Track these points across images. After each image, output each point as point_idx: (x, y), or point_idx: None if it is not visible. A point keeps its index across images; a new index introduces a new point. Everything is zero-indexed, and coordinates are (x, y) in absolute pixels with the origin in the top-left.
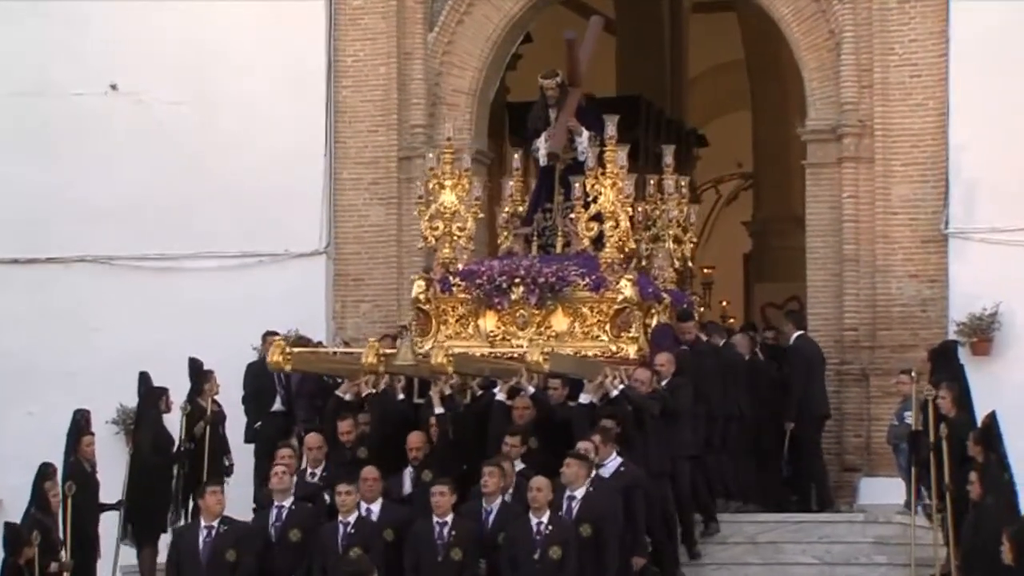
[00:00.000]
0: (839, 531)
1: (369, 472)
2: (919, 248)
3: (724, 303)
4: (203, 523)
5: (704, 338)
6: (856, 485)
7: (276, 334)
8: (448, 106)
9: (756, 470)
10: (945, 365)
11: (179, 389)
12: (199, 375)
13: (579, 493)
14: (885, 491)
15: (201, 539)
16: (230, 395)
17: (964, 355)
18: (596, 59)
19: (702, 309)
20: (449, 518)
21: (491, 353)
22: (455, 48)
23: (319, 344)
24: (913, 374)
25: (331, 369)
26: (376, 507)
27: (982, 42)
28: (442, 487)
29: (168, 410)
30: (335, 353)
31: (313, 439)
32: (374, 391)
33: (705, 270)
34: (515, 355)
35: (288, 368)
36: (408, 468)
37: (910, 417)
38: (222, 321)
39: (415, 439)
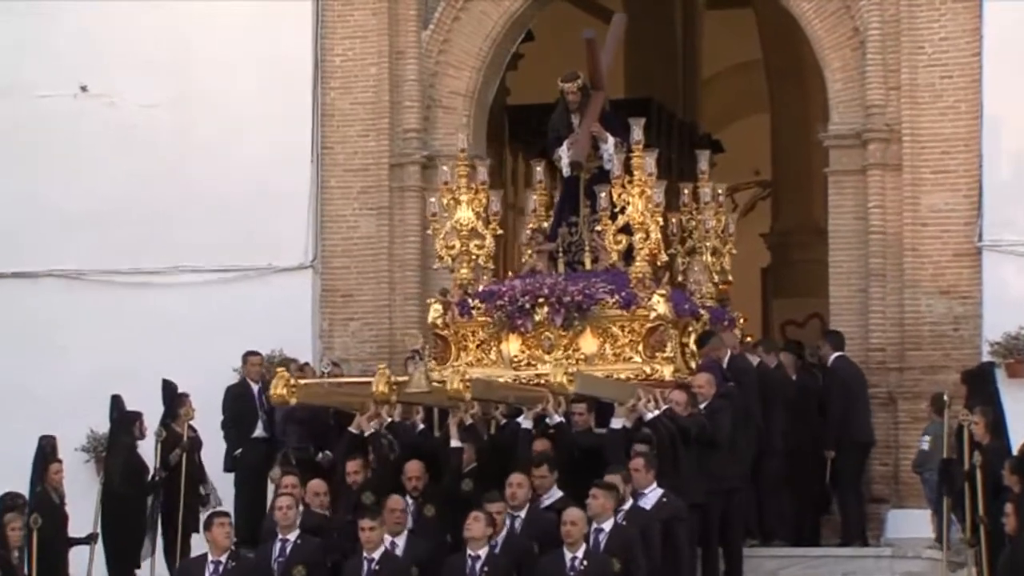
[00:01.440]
0: (865, 566)
1: (396, 503)
2: (951, 262)
3: (741, 320)
4: (211, 557)
5: (750, 358)
6: (883, 517)
7: (257, 354)
8: (444, 109)
9: (790, 503)
10: (979, 388)
11: (153, 414)
12: (174, 399)
13: (607, 526)
14: (914, 524)
15: (208, 574)
16: (208, 420)
17: (999, 377)
18: None
19: (742, 320)
20: (483, 552)
21: (515, 379)
22: (451, 47)
23: (305, 365)
24: (946, 398)
25: (341, 402)
26: (401, 541)
27: (1018, 40)
28: (476, 514)
29: (142, 436)
30: (341, 384)
31: (353, 466)
32: (384, 424)
33: (721, 286)
34: (541, 380)
35: (293, 402)
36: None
37: (927, 442)
38: (200, 340)
39: (414, 468)
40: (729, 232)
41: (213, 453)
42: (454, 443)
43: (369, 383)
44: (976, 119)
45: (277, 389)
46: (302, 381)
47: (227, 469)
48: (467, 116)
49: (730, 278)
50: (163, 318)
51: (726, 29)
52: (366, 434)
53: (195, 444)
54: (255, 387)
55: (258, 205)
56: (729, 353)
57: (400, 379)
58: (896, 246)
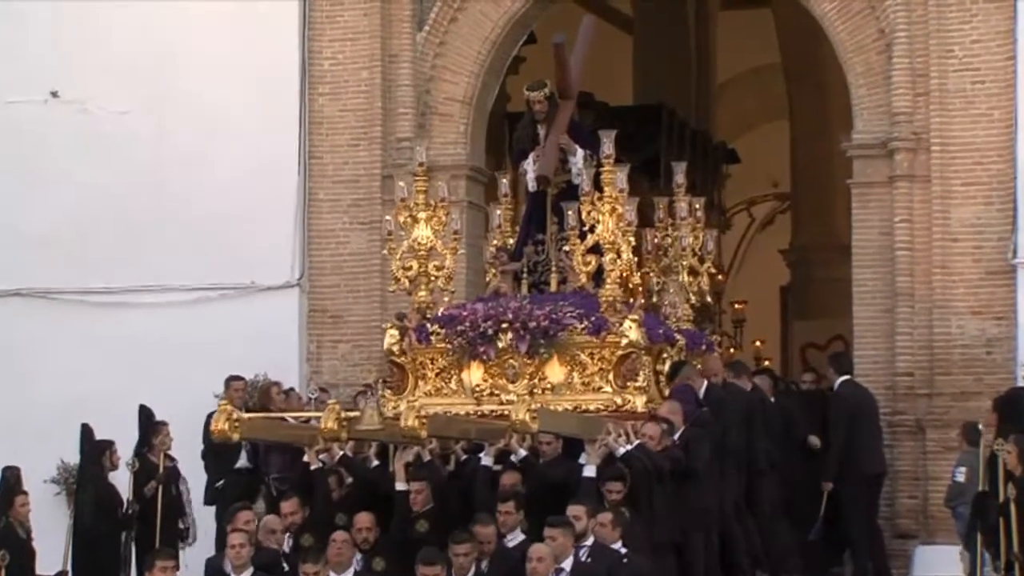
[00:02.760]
0: None
1: (338, 535)
2: (983, 280)
3: (758, 343)
4: None
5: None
6: (911, 554)
7: (240, 379)
8: (440, 116)
9: (793, 533)
10: (1011, 415)
11: (127, 443)
12: (150, 426)
13: (567, 564)
14: (944, 560)
15: None
16: (187, 449)
17: None
18: (611, 62)
19: (732, 350)
20: None
21: (477, 411)
22: (448, 49)
23: (291, 391)
24: (981, 427)
25: (289, 437)
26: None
27: None
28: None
29: (114, 467)
30: (287, 419)
31: (289, 506)
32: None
33: (736, 305)
34: (505, 412)
35: (236, 438)
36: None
37: (962, 474)
38: (178, 364)
39: (364, 519)
40: (708, 250)
41: (193, 485)
42: (400, 486)
43: (318, 419)
44: (1010, 127)
45: (218, 424)
46: (245, 415)
47: (208, 502)
48: (465, 124)
49: (708, 299)
50: (139, 341)
51: (742, 31)
52: (311, 467)
53: (172, 475)
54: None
55: (241, 219)
56: (706, 383)
57: (351, 414)
58: (925, 263)
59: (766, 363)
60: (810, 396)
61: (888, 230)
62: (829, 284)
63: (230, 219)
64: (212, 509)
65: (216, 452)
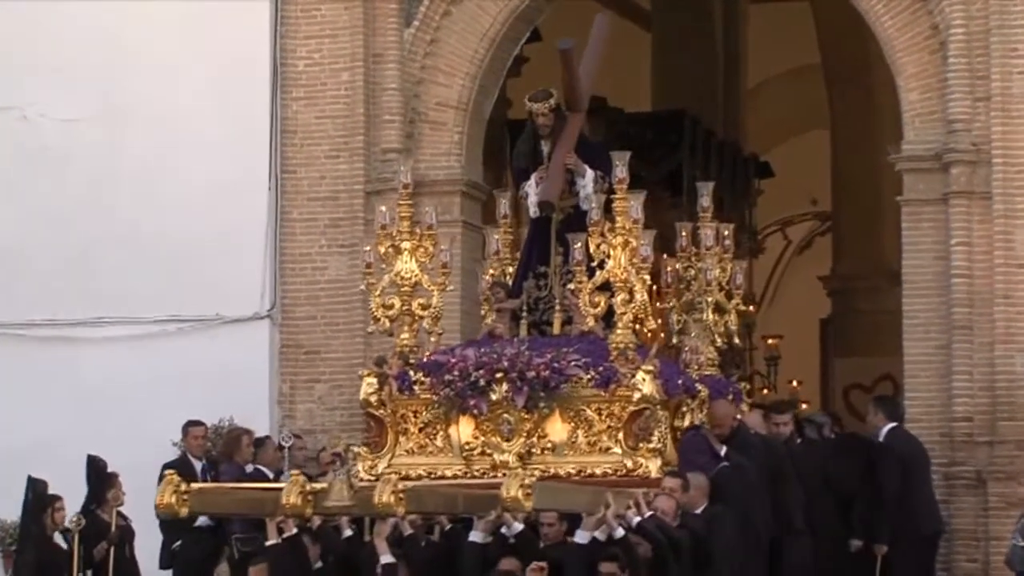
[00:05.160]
0: None
1: None
2: None
3: (794, 384)
4: None
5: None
6: None
7: (201, 425)
8: (431, 124)
9: None
10: None
11: (74, 497)
12: (101, 479)
13: None
14: None
15: None
16: (141, 505)
17: None
18: (626, 63)
19: (765, 391)
20: None
21: (465, 473)
22: (440, 48)
23: (267, 439)
24: None
25: (246, 508)
26: None
27: None
28: None
29: (59, 525)
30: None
31: (257, 572)
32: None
33: (769, 341)
34: (498, 476)
35: (184, 513)
36: None
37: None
38: (131, 408)
39: None
40: (736, 283)
41: (148, 546)
42: (385, 559)
43: (278, 492)
44: None
45: (164, 498)
46: (195, 486)
47: (164, 565)
48: (459, 133)
49: (737, 340)
50: (86, 381)
51: (776, 27)
52: (267, 543)
53: (126, 534)
54: (198, 464)
55: (203, 242)
56: (724, 449)
57: (317, 487)
58: (986, 292)
59: (804, 407)
60: (846, 443)
61: (943, 254)
62: (876, 316)
63: (191, 242)
64: (168, 574)
65: None
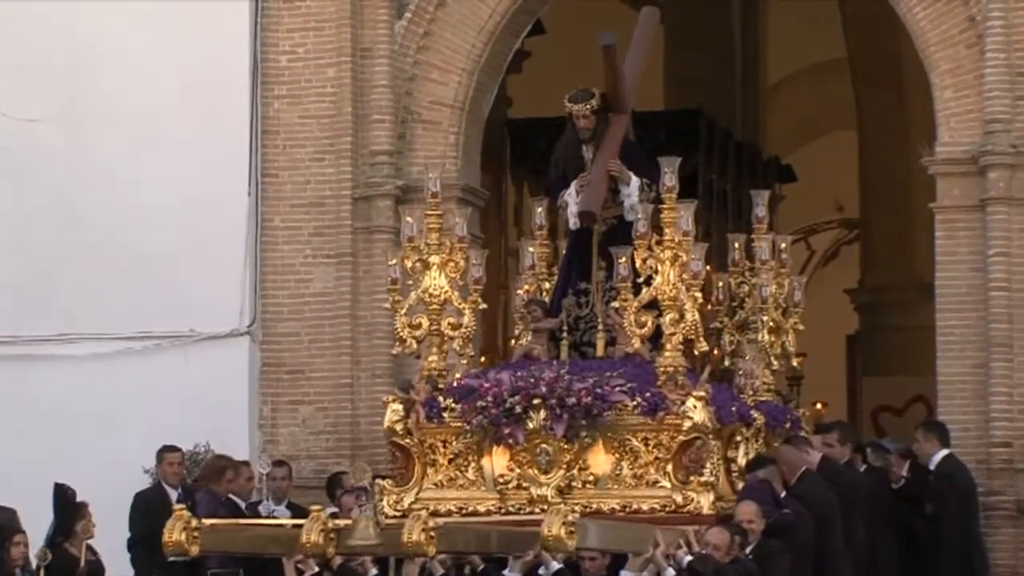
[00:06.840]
0: None
1: None
2: None
3: (819, 406)
4: None
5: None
6: None
7: (176, 450)
8: (424, 124)
9: None
10: None
11: (38, 528)
12: (69, 510)
13: None
14: None
15: None
16: (111, 537)
17: None
18: None
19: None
20: None
21: (500, 508)
22: (434, 42)
23: (244, 465)
24: None
25: (263, 547)
26: None
27: None
28: None
29: (21, 559)
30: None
31: None
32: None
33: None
34: (535, 512)
35: (195, 552)
36: None
37: None
38: (100, 432)
39: None
40: (794, 300)
41: None
42: None
43: (298, 530)
44: None
45: (173, 535)
46: (207, 522)
47: None
48: (455, 133)
49: (795, 363)
50: (50, 402)
51: (799, 20)
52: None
53: (95, 569)
54: (173, 494)
55: (177, 253)
56: (798, 475)
57: (341, 524)
58: None
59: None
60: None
61: (980, 265)
62: (907, 333)
63: (164, 252)
64: None
65: (147, 539)
